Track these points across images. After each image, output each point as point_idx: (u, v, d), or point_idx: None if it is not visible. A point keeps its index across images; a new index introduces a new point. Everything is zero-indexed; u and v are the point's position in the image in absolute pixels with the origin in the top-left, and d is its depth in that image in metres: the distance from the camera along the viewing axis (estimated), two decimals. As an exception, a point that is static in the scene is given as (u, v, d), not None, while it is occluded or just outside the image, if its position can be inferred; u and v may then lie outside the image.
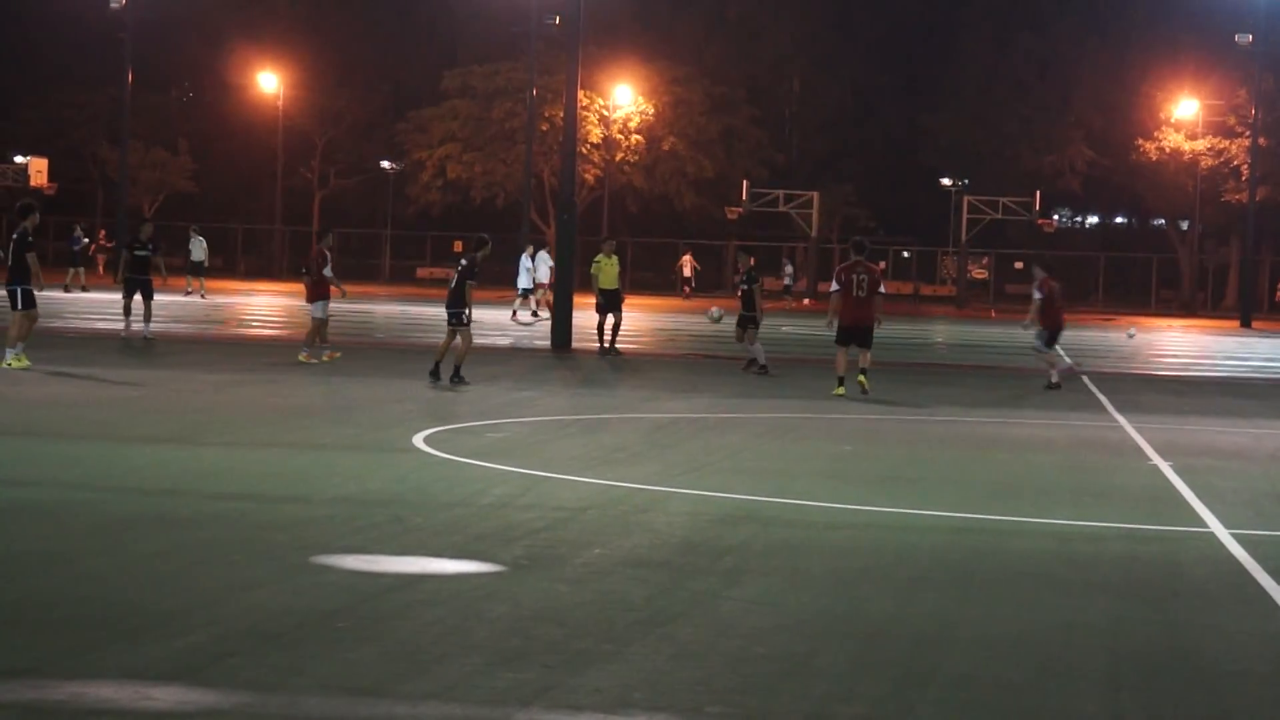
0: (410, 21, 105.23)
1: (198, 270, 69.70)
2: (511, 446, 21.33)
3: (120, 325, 39.15)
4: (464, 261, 30.47)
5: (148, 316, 38.20)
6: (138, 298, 38.30)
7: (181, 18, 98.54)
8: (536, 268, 56.46)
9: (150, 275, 39.27)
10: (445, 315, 30.05)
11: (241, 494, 16.57)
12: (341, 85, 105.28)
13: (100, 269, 79.55)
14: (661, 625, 11.40)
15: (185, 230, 74.69)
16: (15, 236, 29.88)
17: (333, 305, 34.99)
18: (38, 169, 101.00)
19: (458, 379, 28.92)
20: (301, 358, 33.15)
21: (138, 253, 39.53)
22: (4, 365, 28.47)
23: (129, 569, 12.72)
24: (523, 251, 58.71)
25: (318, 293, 34.14)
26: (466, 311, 29.41)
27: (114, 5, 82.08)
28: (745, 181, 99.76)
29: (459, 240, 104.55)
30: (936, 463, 21.90)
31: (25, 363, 28.92)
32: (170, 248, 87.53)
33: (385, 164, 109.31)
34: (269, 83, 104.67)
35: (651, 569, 13.34)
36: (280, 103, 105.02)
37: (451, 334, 29.54)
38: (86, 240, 70.70)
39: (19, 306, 29.49)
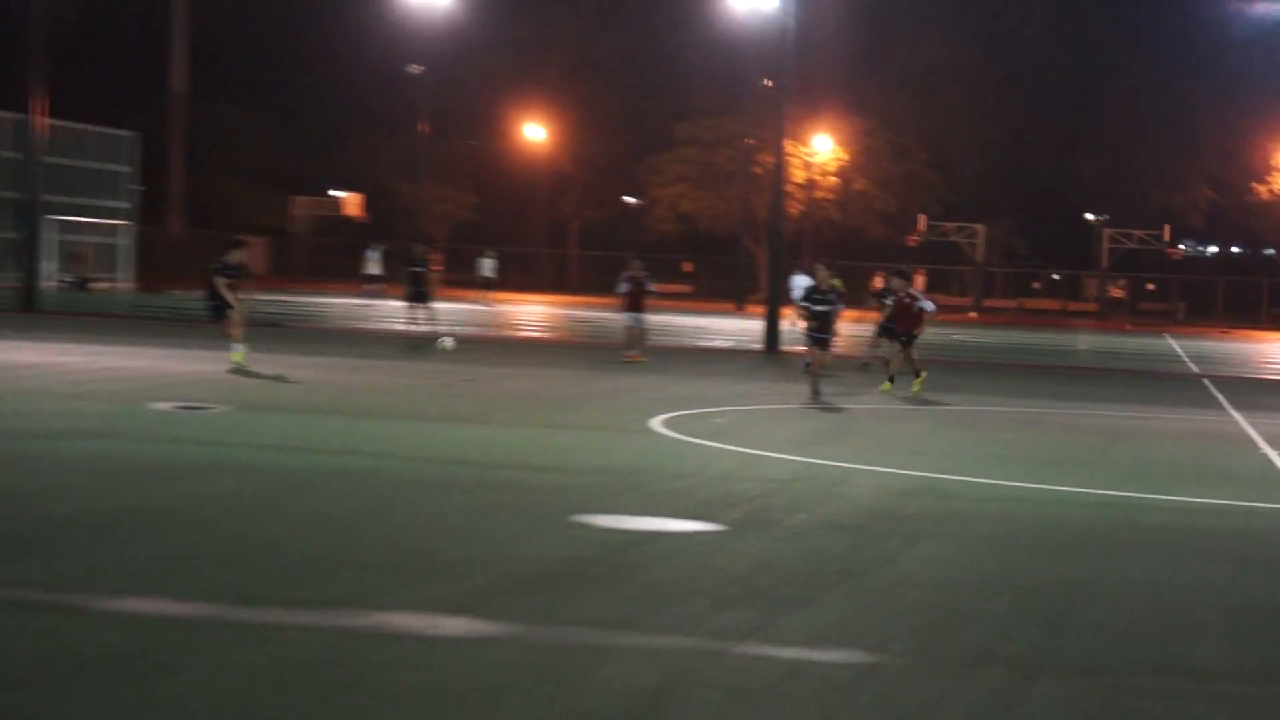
0: (650, 83, 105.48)
1: (488, 285, 71.26)
2: (731, 430, 21.37)
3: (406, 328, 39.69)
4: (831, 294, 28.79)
5: (428, 320, 38.72)
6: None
7: (467, 81, 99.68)
8: (792, 289, 56.36)
9: (426, 287, 39.91)
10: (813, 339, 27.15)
11: (515, 464, 16.74)
12: (594, 134, 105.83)
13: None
14: (853, 577, 11.40)
15: (472, 251, 75.99)
16: (214, 265, 28.81)
17: (597, 316, 35.07)
18: (352, 202, 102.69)
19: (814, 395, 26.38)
20: (626, 357, 33.48)
21: (413, 269, 40.23)
22: (233, 361, 27.14)
23: (426, 523, 12.92)
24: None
25: (634, 304, 34.17)
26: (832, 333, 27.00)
27: (412, 70, 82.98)
28: (922, 216, 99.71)
29: (688, 262, 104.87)
30: (1081, 448, 21.64)
31: (241, 358, 27.52)
32: (457, 266, 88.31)
33: (629, 199, 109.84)
34: (536, 133, 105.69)
35: (845, 531, 13.33)
36: (545, 149, 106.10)
37: (819, 352, 26.89)
38: (379, 254, 71.84)
39: (218, 318, 28.22)
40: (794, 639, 9.43)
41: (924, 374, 28.61)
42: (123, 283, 68.64)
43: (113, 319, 43.12)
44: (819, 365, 26.33)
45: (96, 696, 7.65)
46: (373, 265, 68.12)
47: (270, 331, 40.04)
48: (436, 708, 7.72)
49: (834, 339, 27.07)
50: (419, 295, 39.56)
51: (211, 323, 28.02)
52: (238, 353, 27.28)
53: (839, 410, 25.05)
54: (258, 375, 26.11)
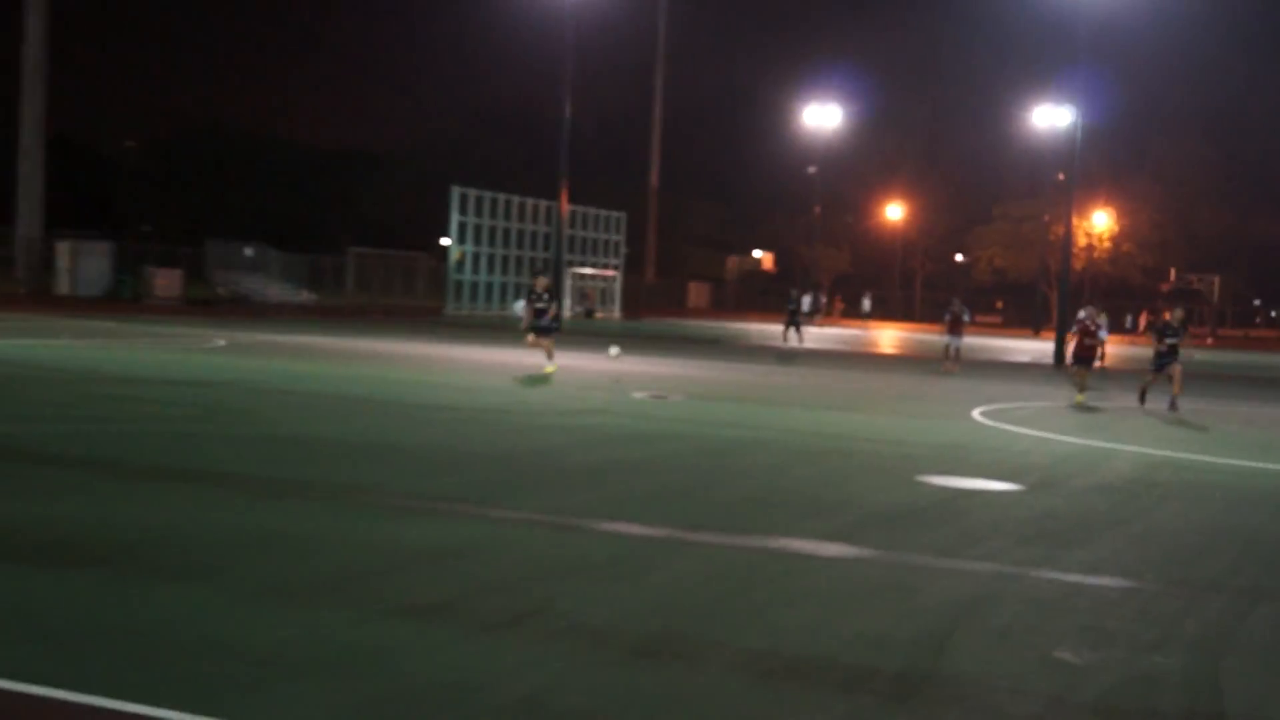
0: (975, 177, 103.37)
1: (865, 316, 71.39)
2: (1029, 419, 20.74)
3: (782, 345, 39.87)
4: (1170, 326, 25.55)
5: (799, 343, 38.96)
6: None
7: (848, 176, 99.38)
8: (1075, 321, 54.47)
9: (799, 320, 40.11)
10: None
11: (873, 439, 16.55)
12: (934, 212, 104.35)
13: (824, 318, 79.20)
14: (1116, 525, 10.93)
15: (849, 294, 75.55)
16: (529, 294, 25.64)
17: (932, 339, 34.18)
18: (767, 260, 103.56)
19: (1173, 408, 23.28)
20: (946, 368, 32.41)
21: (790, 307, 40.58)
22: (547, 372, 24.62)
23: (812, 477, 12.86)
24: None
25: (954, 330, 33.23)
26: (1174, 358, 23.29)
27: (810, 170, 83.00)
28: (1173, 269, 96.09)
29: (999, 300, 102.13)
30: (1291, 438, 20.37)
31: (554, 369, 24.89)
32: (843, 304, 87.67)
33: (959, 257, 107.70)
34: (894, 212, 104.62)
35: (1110, 492, 12.79)
36: (900, 223, 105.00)
37: (1156, 374, 23.65)
38: (825, 300, 71.76)
39: (548, 333, 25.25)
40: (1074, 567, 9.09)
41: (1086, 393, 24.60)
42: (615, 313, 70.36)
43: (609, 338, 44.27)
44: (1178, 382, 23.53)
45: (591, 588, 7.85)
46: (803, 304, 68.48)
47: (710, 347, 40.53)
48: (818, 603, 7.70)
49: (1177, 363, 23.94)
50: (794, 324, 39.96)
51: (542, 335, 25.22)
52: (550, 366, 24.87)
53: (1108, 409, 24.04)
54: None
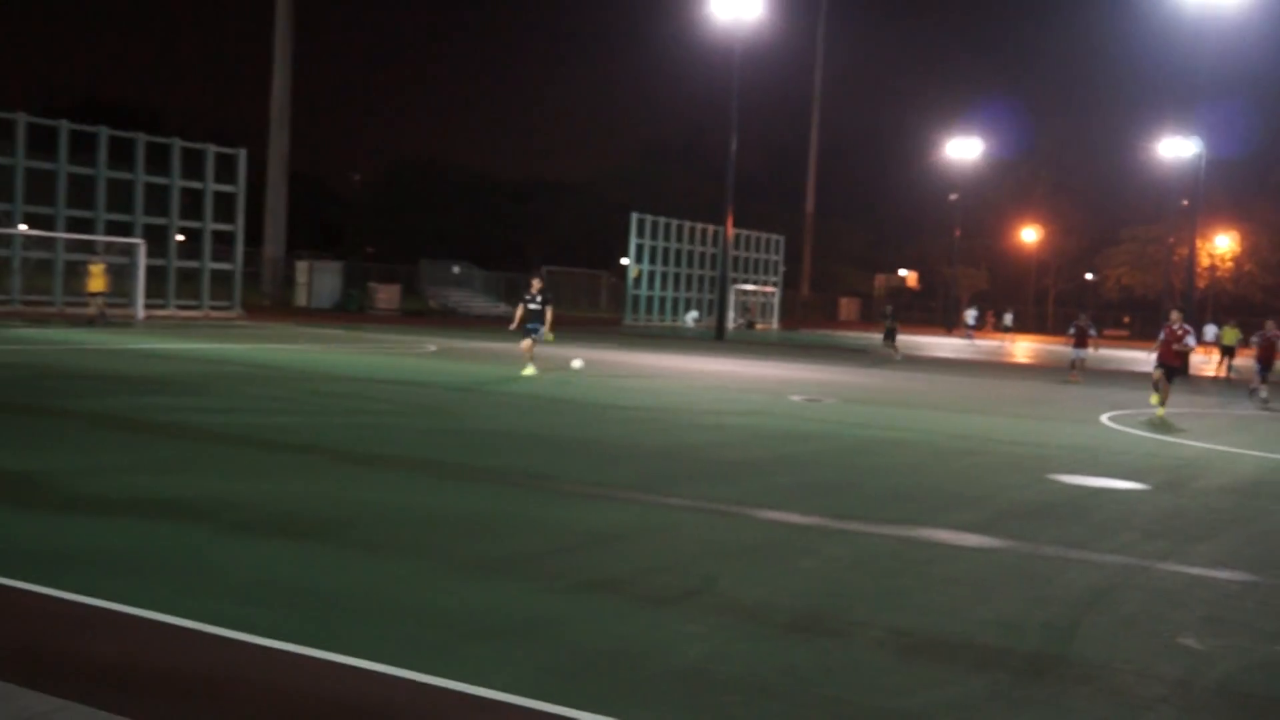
0: (1105, 202, 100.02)
1: (1007, 329, 69.73)
2: (1156, 425, 19.89)
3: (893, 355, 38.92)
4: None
5: (896, 354, 37.90)
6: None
7: (986, 201, 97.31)
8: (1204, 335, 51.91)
9: (894, 334, 38.70)
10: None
11: (1006, 440, 16.03)
12: (1066, 235, 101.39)
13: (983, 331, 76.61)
14: (1239, 524, 10.38)
15: (989, 309, 73.72)
16: (524, 297, 22.75)
17: (1062, 350, 32.94)
18: (911, 278, 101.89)
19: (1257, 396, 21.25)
20: (1070, 378, 30.96)
21: (886, 320, 39.57)
22: (525, 375, 22.15)
23: (950, 474, 12.51)
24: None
25: (1080, 342, 31.84)
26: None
27: (951, 197, 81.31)
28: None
29: (1126, 315, 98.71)
30: None
31: (533, 371, 22.54)
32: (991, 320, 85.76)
33: (1088, 276, 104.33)
34: (1029, 234, 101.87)
35: (1231, 493, 12.16)
36: (1034, 245, 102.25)
37: None
38: (976, 312, 69.98)
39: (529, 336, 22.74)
40: (1197, 562, 8.65)
41: (1164, 406, 21.41)
42: (773, 325, 69.96)
43: (768, 346, 44.01)
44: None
45: (749, 569, 7.76)
46: (969, 318, 67.28)
47: (858, 355, 39.95)
48: (956, 588, 7.46)
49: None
50: (890, 338, 38.65)
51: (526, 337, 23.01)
52: (529, 368, 22.64)
53: (1231, 414, 22.93)
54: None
